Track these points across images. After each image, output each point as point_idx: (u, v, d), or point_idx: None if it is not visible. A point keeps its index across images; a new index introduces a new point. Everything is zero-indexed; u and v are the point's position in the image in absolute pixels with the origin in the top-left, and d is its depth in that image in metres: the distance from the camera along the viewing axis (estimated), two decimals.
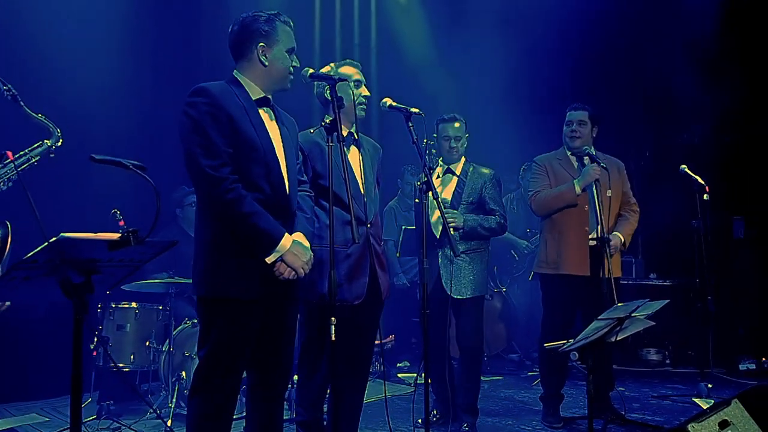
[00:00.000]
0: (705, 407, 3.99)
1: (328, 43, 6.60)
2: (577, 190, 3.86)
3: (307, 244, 2.39)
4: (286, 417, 3.36)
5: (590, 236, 3.91)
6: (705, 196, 4.49)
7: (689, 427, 2.38)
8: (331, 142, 2.36)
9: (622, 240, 3.93)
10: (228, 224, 2.26)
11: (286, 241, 2.29)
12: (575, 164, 4.07)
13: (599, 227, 3.67)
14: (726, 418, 2.54)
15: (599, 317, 2.51)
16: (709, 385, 4.52)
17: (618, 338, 2.65)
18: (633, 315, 2.59)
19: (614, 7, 6.66)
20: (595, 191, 3.78)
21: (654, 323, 2.76)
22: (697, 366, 5.50)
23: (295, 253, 2.31)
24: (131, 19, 5.09)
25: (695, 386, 4.72)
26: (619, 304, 2.56)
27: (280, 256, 2.28)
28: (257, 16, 2.40)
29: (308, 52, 6.11)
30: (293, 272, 2.32)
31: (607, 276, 3.58)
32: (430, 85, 6.59)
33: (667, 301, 2.73)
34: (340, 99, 2.39)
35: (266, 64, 2.40)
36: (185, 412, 3.87)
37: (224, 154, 2.24)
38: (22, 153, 2.28)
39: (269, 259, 2.27)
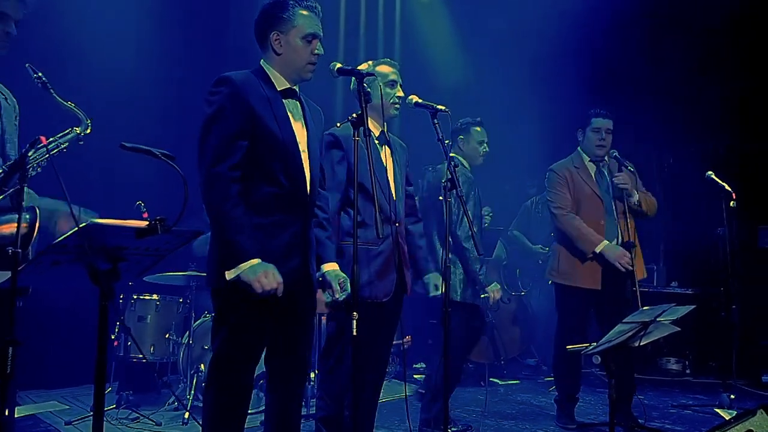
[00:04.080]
0: (728, 418, 3.93)
1: (352, 46, 6.60)
2: (598, 250, 3.86)
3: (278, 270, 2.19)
4: (303, 413, 3.36)
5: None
6: (731, 203, 4.42)
7: None
8: (357, 137, 2.33)
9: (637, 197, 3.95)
10: (211, 217, 2.17)
11: (249, 263, 2.13)
12: (593, 173, 4.11)
13: (618, 238, 3.89)
14: (751, 428, 2.49)
15: (624, 320, 2.47)
16: (732, 396, 4.44)
17: (642, 343, 2.62)
18: (658, 319, 2.54)
19: (639, 8, 6.58)
20: (614, 205, 3.95)
21: (679, 329, 2.72)
22: (718, 377, 5.41)
23: (255, 269, 2.12)
24: (159, 9, 5.16)
25: (717, 397, 4.65)
26: (645, 308, 2.52)
27: (238, 274, 2.13)
28: (276, 2, 2.29)
29: (332, 50, 6.13)
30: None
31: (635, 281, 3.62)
32: (451, 84, 6.58)
33: (693, 306, 2.69)
34: (368, 93, 2.34)
35: (279, 52, 2.30)
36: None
37: (237, 147, 2.16)
38: (52, 139, 2.28)
39: (228, 275, 2.14)
